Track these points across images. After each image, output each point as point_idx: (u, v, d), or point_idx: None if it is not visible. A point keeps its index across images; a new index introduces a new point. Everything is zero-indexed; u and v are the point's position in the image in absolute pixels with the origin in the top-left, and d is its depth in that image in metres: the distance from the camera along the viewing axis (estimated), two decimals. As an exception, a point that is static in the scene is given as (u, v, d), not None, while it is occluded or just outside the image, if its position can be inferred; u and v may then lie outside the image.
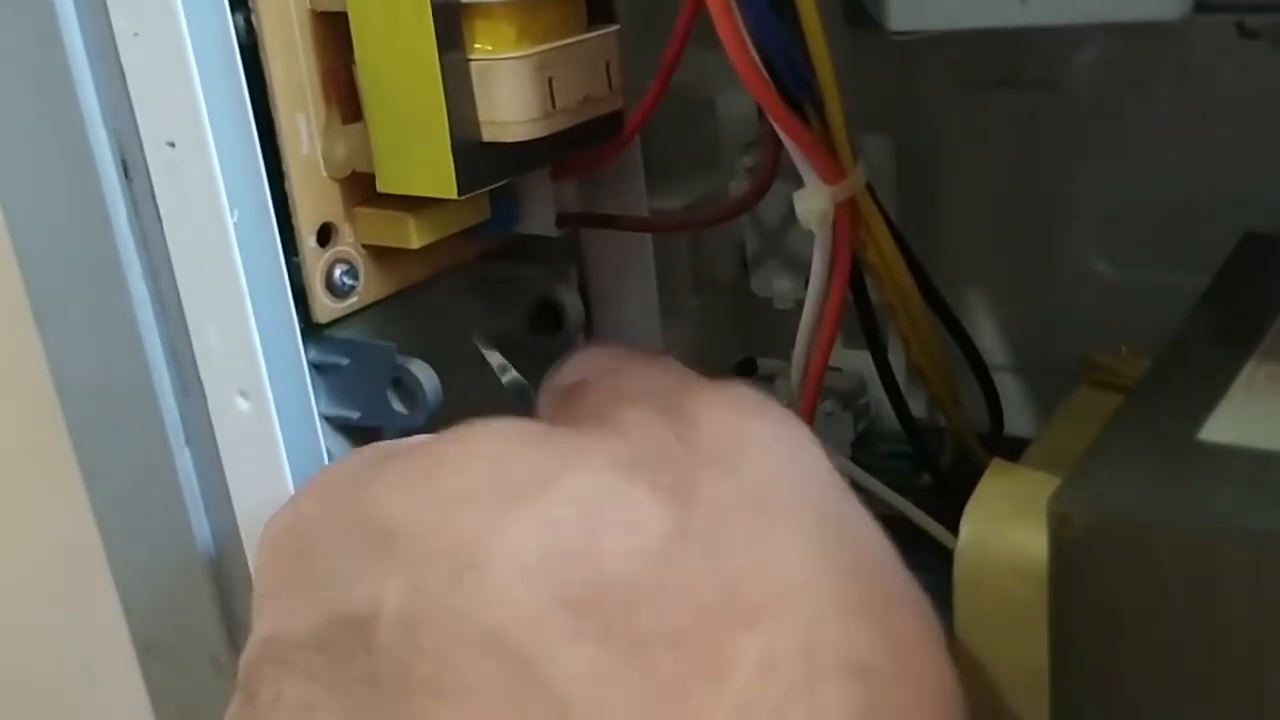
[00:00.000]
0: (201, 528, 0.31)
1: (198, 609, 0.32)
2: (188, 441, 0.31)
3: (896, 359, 0.35)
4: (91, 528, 0.34)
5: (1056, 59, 0.38)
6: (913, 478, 0.38)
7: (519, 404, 0.34)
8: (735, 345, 0.42)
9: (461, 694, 0.21)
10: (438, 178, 0.28)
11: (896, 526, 0.32)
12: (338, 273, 0.30)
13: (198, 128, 0.27)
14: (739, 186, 0.37)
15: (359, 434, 0.31)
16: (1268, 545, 0.22)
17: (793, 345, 0.32)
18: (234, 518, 0.30)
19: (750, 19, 0.26)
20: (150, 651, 0.34)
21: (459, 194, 0.28)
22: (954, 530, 0.26)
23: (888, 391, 0.34)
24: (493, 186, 0.30)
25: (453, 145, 0.28)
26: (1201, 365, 0.28)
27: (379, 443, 0.28)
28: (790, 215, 0.30)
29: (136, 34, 0.27)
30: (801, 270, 0.36)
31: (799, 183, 0.30)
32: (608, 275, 0.36)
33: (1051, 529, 0.24)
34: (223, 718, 0.25)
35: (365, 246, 0.31)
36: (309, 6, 0.29)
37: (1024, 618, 0.25)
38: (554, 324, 0.36)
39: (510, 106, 0.28)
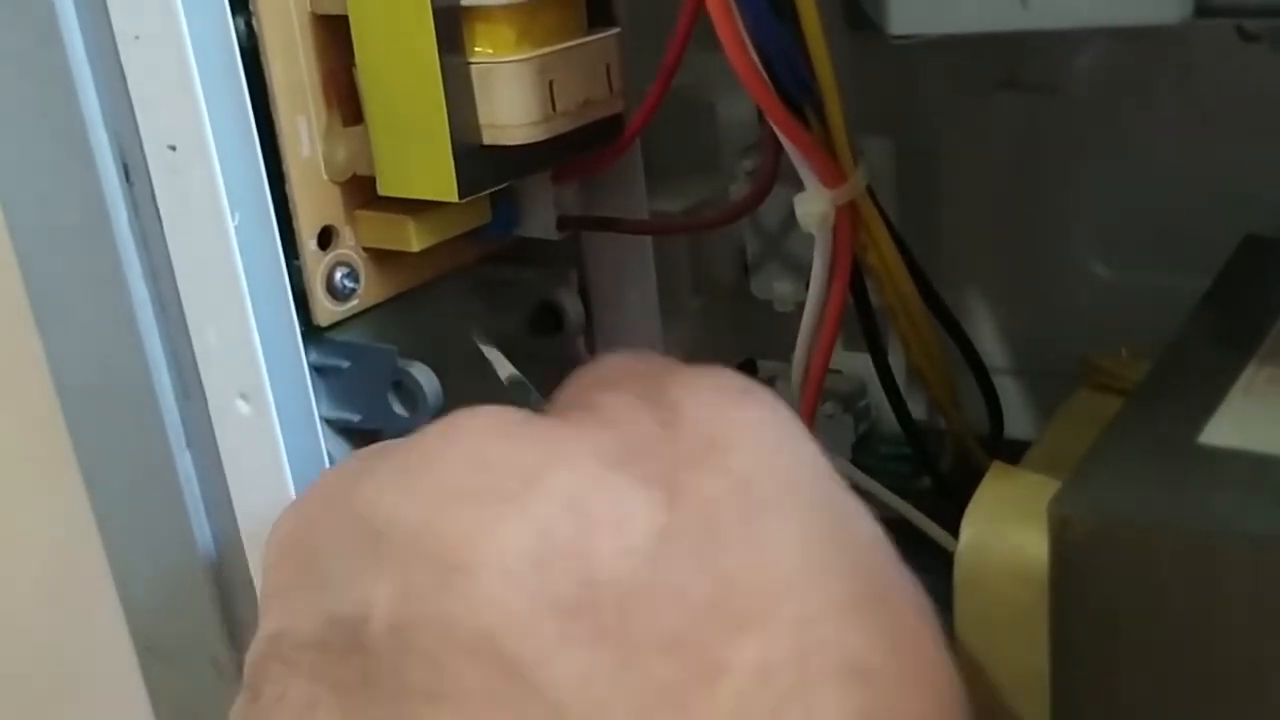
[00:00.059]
0: (202, 530, 0.31)
1: (198, 611, 0.32)
2: (188, 444, 0.31)
3: (897, 361, 0.35)
4: (92, 530, 0.34)
5: (1057, 62, 0.38)
6: (913, 480, 0.38)
7: (519, 402, 0.34)
8: (735, 348, 0.42)
9: (457, 698, 0.21)
10: (438, 181, 0.28)
11: (897, 529, 0.32)
12: (338, 275, 0.30)
13: (199, 131, 0.27)
14: (739, 189, 0.38)
15: (360, 437, 0.31)
16: (1268, 548, 0.22)
17: (793, 348, 0.32)
18: (235, 520, 0.30)
19: (750, 22, 0.26)
20: (151, 653, 0.34)
21: (459, 197, 0.28)
22: (954, 533, 0.26)
23: (888, 394, 0.34)
24: (493, 189, 0.30)
25: (453, 148, 0.28)
26: (1202, 368, 0.28)
27: (381, 443, 0.28)
28: (790, 218, 0.30)
29: (137, 37, 0.27)
30: (802, 273, 0.36)
31: (799, 186, 0.30)
32: (608, 278, 0.36)
33: (1052, 532, 0.24)
34: (228, 716, 0.25)
35: (366, 249, 0.31)
36: (310, 9, 0.29)
37: (1025, 620, 0.25)
38: (554, 326, 0.36)
39: (511, 110, 0.28)
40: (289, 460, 0.29)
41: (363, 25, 0.28)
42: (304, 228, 0.29)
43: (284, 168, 0.29)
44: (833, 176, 0.29)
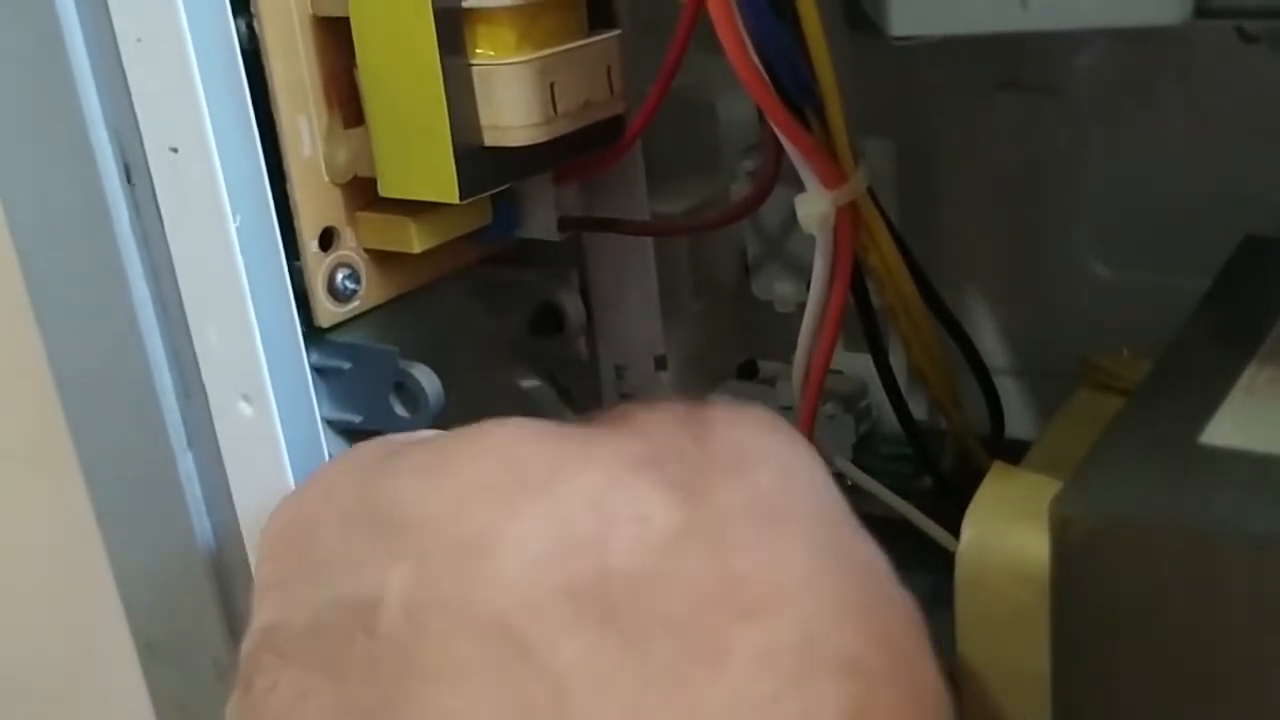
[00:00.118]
0: (203, 530, 0.31)
1: (199, 610, 0.32)
2: (190, 444, 0.31)
3: (897, 362, 0.35)
4: (93, 529, 0.34)
5: (1057, 63, 0.38)
6: (914, 480, 0.38)
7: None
8: (736, 348, 0.42)
9: (460, 676, 0.21)
10: (439, 182, 0.28)
11: (898, 529, 0.32)
12: (339, 277, 0.30)
13: (200, 132, 0.27)
14: (740, 190, 0.37)
15: (361, 438, 0.31)
16: (1268, 548, 0.22)
17: (794, 348, 0.32)
18: (235, 520, 0.30)
19: (751, 23, 0.26)
20: (151, 651, 0.34)
21: (460, 198, 0.28)
22: (955, 533, 0.26)
23: (889, 394, 0.34)
24: (494, 191, 0.30)
25: (454, 150, 0.28)
26: (1202, 368, 0.28)
27: (380, 438, 0.28)
28: (791, 219, 0.30)
29: (139, 39, 0.27)
30: (803, 274, 0.36)
31: (800, 187, 0.30)
32: (609, 279, 0.36)
33: (1053, 532, 0.24)
34: (225, 711, 0.25)
35: (367, 251, 0.31)
36: (310, 11, 0.29)
37: (1025, 620, 0.25)
38: (555, 328, 0.36)
39: (512, 111, 0.28)
40: (290, 461, 0.29)
41: (364, 27, 0.28)
42: (305, 229, 0.29)
43: (285, 169, 0.29)
44: (833, 177, 0.29)
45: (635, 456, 0.23)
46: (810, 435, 0.32)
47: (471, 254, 0.33)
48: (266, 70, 0.28)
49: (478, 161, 0.28)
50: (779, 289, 0.39)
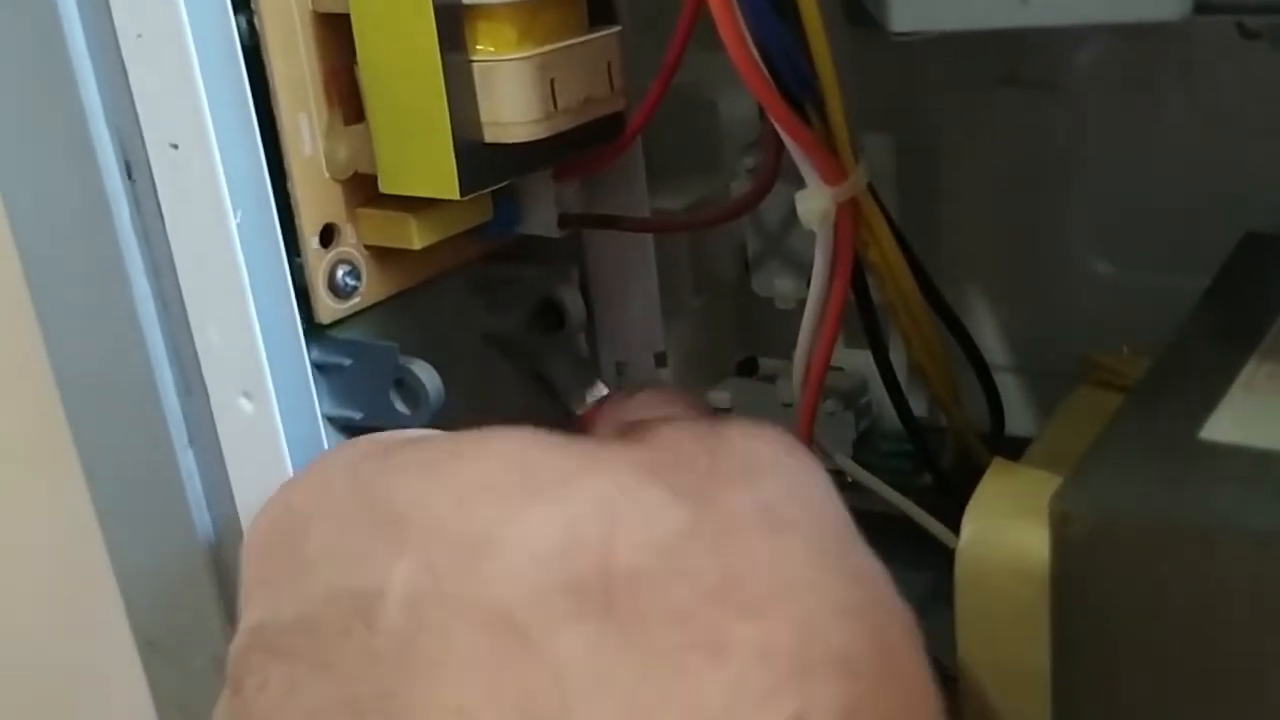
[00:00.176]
0: (204, 527, 0.31)
1: (200, 607, 0.32)
2: (190, 441, 0.31)
3: (898, 358, 0.35)
4: (94, 526, 0.34)
5: (1057, 59, 0.38)
6: (914, 477, 0.38)
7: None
8: (737, 345, 0.42)
9: (462, 666, 0.21)
10: (440, 178, 0.28)
11: (898, 526, 0.32)
12: (340, 273, 0.30)
13: (200, 128, 0.27)
14: (740, 187, 0.38)
15: (361, 434, 0.31)
16: (1268, 544, 0.22)
17: (794, 345, 0.32)
18: (236, 517, 0.30)
19: (751, 19, 0.26)
20: (152, 649, 0.34)
21: (461, 195, 0.28)
22: (955, 530, 0.26)
23: (889, 391, 0.34)
24: (495, 187, 0.30)
25: (455, 146, 0.28)
26: (1202, 365, 0.28)
27: (367, 436, 0.28)
28: (792, 215, 0.30)
29: (140, 35, 0.27)
30: (803, 270, 0.36)
31: (800, 183, 0.30)
32: (610, 276, 0.36)
33: (1053, 528, 0.24)
34: (214, 713, 0.25)
35: (368, 247, 0.31)
36: (311, 8, 0.29)
37: (1025, 617, 0.25)
38: (556, 324, 0.36)
39: (512, 107, 0.28)
40: (291, 457, 0.29)
41: (364, 23, 0.28)
42: (306, 225, 0.29)
43: (286, 165, 0.29)
44: (834, 173, 0.29)
45: (643, 464, 0.24)
46: (810, 432, 0.32)
47: (472, 250, 0.33)
48: (267, 66, 0.28)
49: (478, 158, 0.28)
50: (779, 285, 0.39)
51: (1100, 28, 0.35)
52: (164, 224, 0.28)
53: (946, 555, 0.27)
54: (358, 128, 0.29)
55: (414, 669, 0.22)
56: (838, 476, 0.35)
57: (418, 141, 0.28)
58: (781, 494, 0.24)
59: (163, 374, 0.30)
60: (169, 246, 0.29)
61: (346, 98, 0.29)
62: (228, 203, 0.27)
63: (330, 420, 0.31)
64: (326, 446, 0.30)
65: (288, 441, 0.29)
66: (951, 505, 0.27)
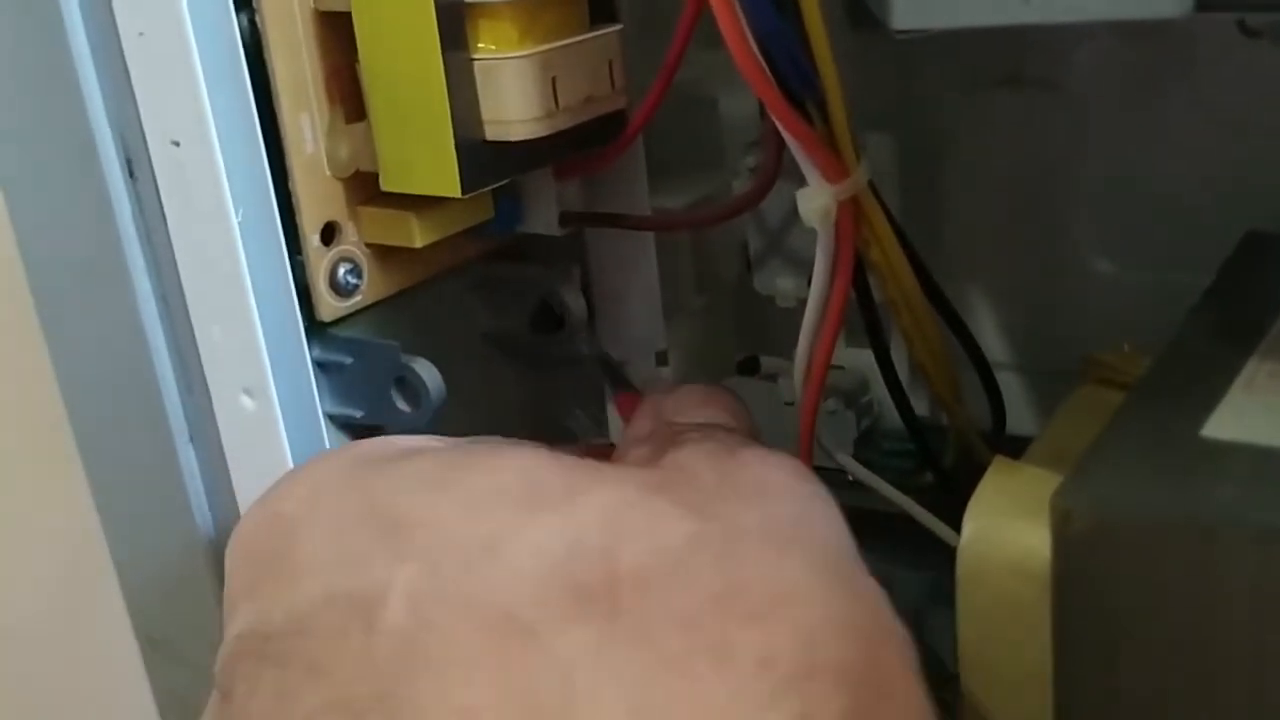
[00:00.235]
0: (205, 525, 0.31)
1: (201, 605, 0.32)
2: (192, 439, 0.31)
3: (899, 357, 0.35)
4: (95, 524, 0.34)
5: (1059, 57, 0.38)
6: (915, 476, 0.38)
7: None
8: (738, 344, 0.42)
9: (467, 665, 0.21)
10: (441, 177, 0.28)
11: (899, 524, 0.32)
12: (341, 271, 0.30)
13: (202, 127, 0.27)
14: (742, 185, 0.37)
15: (362, 432, 0.31)
16: (1270, 542, 0.22)
17: (795, 344, 0.32)
18: (238, 515, 0.30)
19: (752, 17, 0.26)
20: (153, 646, 0.34)
21: (462, 193, 0.28)
22: (957, 528, 0.26)
23: (890, 390, 0.34)
24: (496, 185, 0.30)
25: (456, 144, 0.28)
26: (1203, 363, 0.28)
27: (355, 445, 0.28)
28: (793, 214, 0.30)
29: (141, 33, 0.27)
30: (804, 269, 0.36)
31: (802, 181, 0.30)
32: (611, 274, 0.36)
33: (1054, 526, 0.24)
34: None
35: (369, 245, 0.31)
36: (313, 6, 0.29)
37: (1027, 615, 0.25)
38: (557, 323, 0.36)
39: (513, 106, 0.28)
40: (292, 455, 0.29)
41: (366, 22, 0.28)
42: (307, 224, 0.29)
43: (287, 164, 0.29)
44: (835, 171, 0.29)
45: (649, 482, 0.24)
46: (812, 431, 0.32)
47: (473, 249, 0.33)
48: (268, 65, 0.28)
49: (479, 156, 0.28)
50: (780, 284, 0.39)
51: (1101, 26, 0.35)
52: (165, 222, 0.29)
53: (948, 554, 0.27)
54: (359, 126, 0.29)
55: (416, 669, 0.22)
56: (839, 475, 0.35)
57: (419, 140, 0.28)
58: (786, 515, 0.24)
59: (164, 371, 0.30)
60: (170, 244, 0.29)
61: (348, 96, 0.29)
62: (229, 201, 0.27)
63: (331, 418, 0.31)
64: (328, 444, 0.30)
65: (289, 439, 0.29)
66: (953, 504, 0.27)
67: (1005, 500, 0.26)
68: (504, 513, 0.23)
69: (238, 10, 0.27)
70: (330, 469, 0.26)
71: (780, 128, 0.28)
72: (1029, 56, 0.38)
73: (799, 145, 0.29)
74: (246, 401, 0.29)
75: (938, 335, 0.34)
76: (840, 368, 0.39)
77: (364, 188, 0.30)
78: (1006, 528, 0.26)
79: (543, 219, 0.33)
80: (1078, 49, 0.37)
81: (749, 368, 0.42)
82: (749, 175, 0.37)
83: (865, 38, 0.33)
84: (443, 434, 0.28)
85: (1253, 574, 0.22)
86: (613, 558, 0.22)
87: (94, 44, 0.28)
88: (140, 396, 0.30)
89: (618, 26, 0.30)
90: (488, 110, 0.28)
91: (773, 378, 0.40)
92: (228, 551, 0.26)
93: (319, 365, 0.30)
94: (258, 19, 0.28)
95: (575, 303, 0.36)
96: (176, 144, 0.27)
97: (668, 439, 0.27)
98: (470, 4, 0.28)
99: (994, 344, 0.40)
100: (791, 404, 0.33)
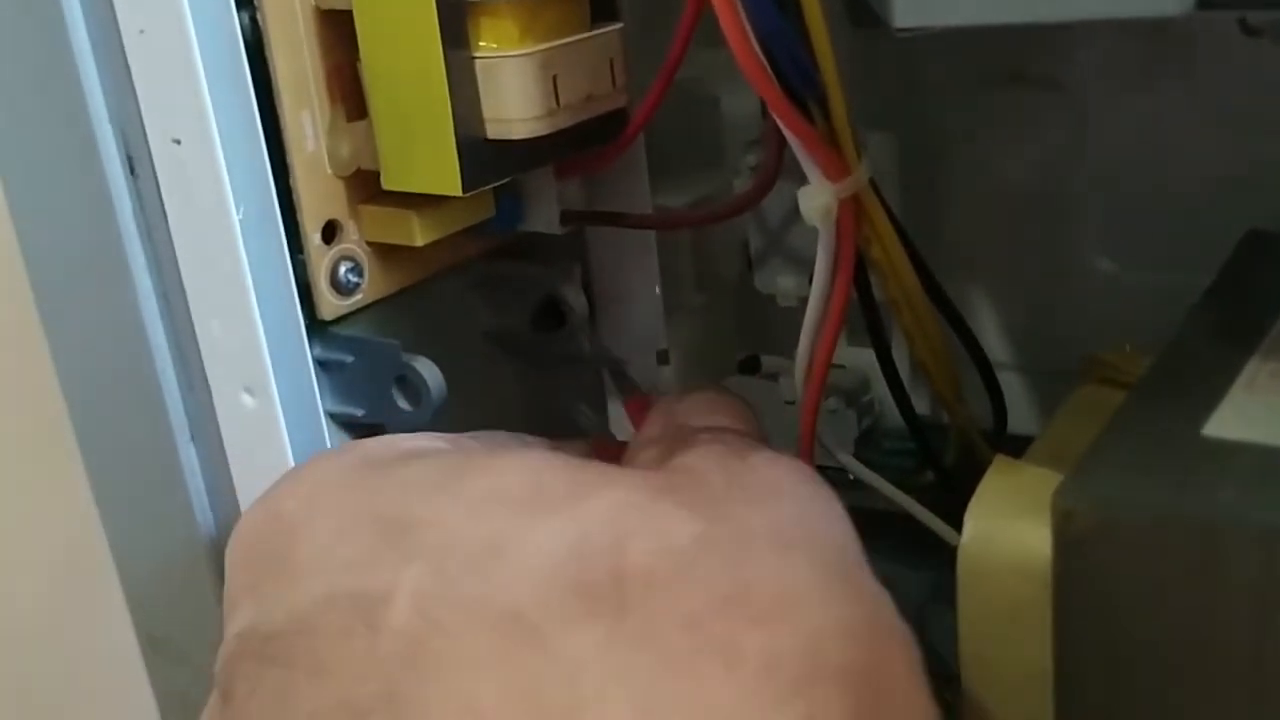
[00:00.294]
0: (206, 523, 0.31)
1: (202, 604, 0.32)
2: (193, 437, 0.31)
3: (900, 356, 0.35)
4: (96, 522, 0.34)
5: (1060, 56, 0.38)
6: (916, 475, 0.38)
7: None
8: (739, 343, 0.42)
9: (473, 665, 0.21)
10: (442, 175, 0.28)
11: (900, 523, 0.32)
12: (342, 270, 0.30)
13: (203, 124, 0.27)
14: (743, 184, 0.37)
15: (363, 431, 0.31)
16: (1272, 540, 0.22)
17: (796, 343, 0.32)
18: (239, 513, 0.30)
19: (753, 15, 0.26)
20: (155, 647, 0.34)
21: (463, 191, 0.28)
22: (958, 527, 0.26)
23: (891, 388, 0.34)
24: (497, 184, 0.30)
25: (457, 142, 0.28)
26: (1205, 362, 0.28)
27: (355, 444, 0.28)
28: (794, 212, 0.30)
29: (142, 30, 0.27)
30: (805, 267, 0.36)
31: (803, 180, 0.30)
32: (612, 273, 0.36)
33: (1055, 525, 0.24)
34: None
35: (370, 244, 0.31)
36: (314, 4, 0.29)
37: (1028, 614, 0.25)
38: (558, 322, 0.36)
39: (514, 104, 0.28)
40: (293, 453, 0.29)
41: (367, 20, 0.28)
42: (308, 222, 0.29)
43: (288, 162, 0.29)
44: (836, 170, 0.29)
45: (656, 485, 0.24)
46: (813, 430, 0.32)
47: (474, 248, 0.33)
48: (269, 63, 0.28)
49: (480, 154, 0.28)
50: (781, 283, 0.39)
51: (1102, 24, 0.35)
52: (166, 220, 0.29)
53: (949, 553, 0.27)
54: (360, 124, 0.29)
55: (422, 668, 0.22)
56: (840, 474, 0.35)
57: (420, 138, 0.28)
58: (793, 517, 0.24)
59: (165, 369, 0.30)
60: (171, 242, 0.29)
61: (349, 94, 0.29)
62: (230, 199, 0.27)
63: (332, 416, 0.31)
64: (329, 443, 0.30)
65: (290, 437, 0.29)
66: (954, 503, 0.27)
67: (1006, 500, 0.26)
68: (509, 514, 0.23)
69: (239, 8, 0.27)
70: (332, 469, 0.26)
71: (781, 126, 0.28)
72: (1030, 55, 0.38)
73: (800, 143, 0.29)
74: (247, 399, 0.29)
75: (939, 334, 0.34)
76: (841, 367, 0.39)
77: (365, 186, 0.30)
78: (1007, 527, 0.26)
79: (544, 217, 0.33)
80: (1079, 48, 0.37)
81: (750, 367, 0.42)
82: (750, 174, 0.37)
83: (866, 36, 0.33)
84: (444, 433, 0.28)
85: (1254, 573, 0.22)
86: (619, 557, 0.22)
87: (95, 41, 0.28)
88: (141, 394, 0.30)
89: (619, 25, 0.30)
90: (489, 108, 0.28)
91: (774, 377, 0.40)
92: (228, 550, 0.26)
93: (320, 364, 0.30)
94: (259, 16, 0.28)
95: (576, 301, 0.36)
96: (177, 142, 0.27)
97: (678, 441, 0.27)
98: (471, 2, 0.28)
99: (995, 343, 0.40)
100: (792, 403, 0.33)
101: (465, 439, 0.29)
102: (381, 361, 0.30)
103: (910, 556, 0.32)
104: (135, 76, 0.27)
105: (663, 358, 0.37)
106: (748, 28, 0.26)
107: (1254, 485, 0.23)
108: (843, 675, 0.21)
